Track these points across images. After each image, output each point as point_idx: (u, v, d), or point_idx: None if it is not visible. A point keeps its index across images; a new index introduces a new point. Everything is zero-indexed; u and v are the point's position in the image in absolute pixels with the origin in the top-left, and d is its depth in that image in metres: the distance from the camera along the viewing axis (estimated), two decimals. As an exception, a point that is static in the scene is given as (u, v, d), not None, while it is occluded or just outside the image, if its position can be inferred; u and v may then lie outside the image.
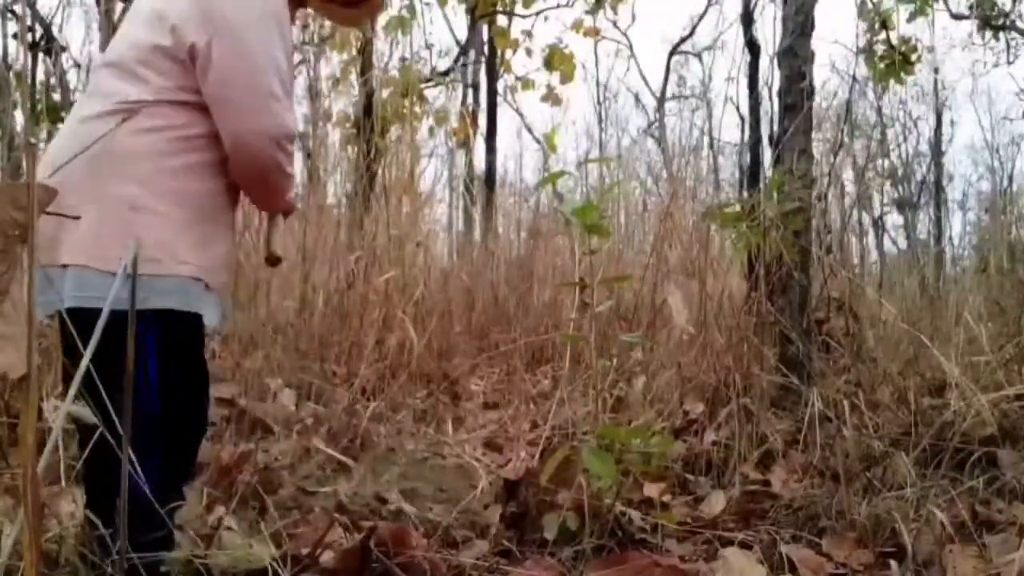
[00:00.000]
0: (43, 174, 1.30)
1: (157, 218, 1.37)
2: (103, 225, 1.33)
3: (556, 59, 6.81)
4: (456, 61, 7.70)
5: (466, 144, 6.65)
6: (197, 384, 1.53)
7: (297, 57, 5.20)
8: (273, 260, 1.68)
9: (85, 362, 0.89)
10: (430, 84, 6.70)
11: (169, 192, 1.40)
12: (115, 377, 1.05)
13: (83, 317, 1.29)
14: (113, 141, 1.33)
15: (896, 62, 5.34)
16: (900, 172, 12.72)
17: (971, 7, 8.01)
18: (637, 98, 12.32)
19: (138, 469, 1.17)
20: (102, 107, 1.40)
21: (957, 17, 8.37)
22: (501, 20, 6.81)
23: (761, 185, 3.71)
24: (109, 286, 1.16)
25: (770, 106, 4.12)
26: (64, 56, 5.62)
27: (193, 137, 1.42)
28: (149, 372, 1.37)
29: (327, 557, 1.55)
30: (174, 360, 1.42)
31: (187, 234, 1.41)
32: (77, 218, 1.26)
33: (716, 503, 1.98)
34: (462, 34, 7.76)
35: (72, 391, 0.96)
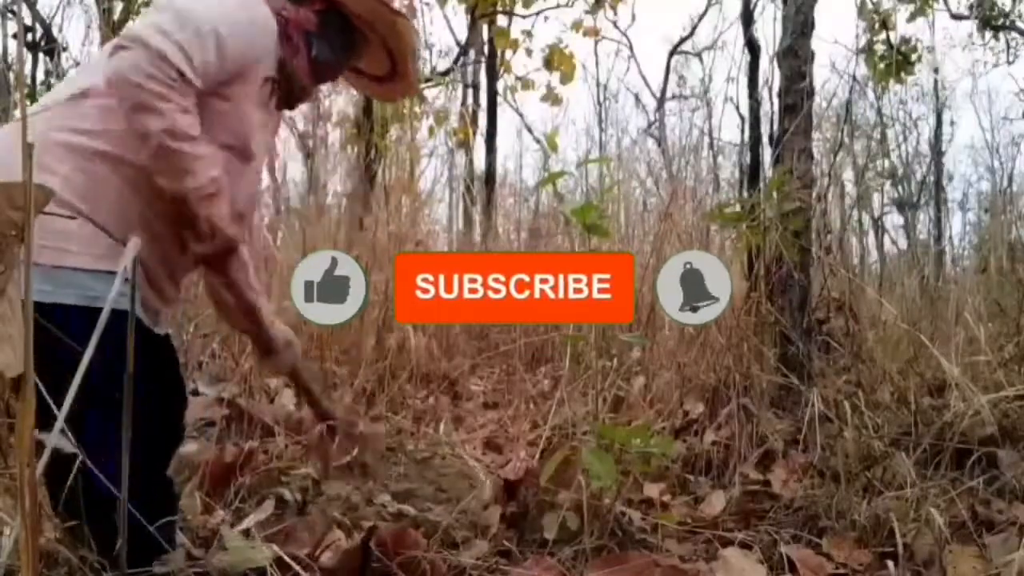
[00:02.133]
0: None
1: (62, 206, 1.27)
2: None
3: (556, 59, 6.81)
4: (456, 61, 7.70)
5: (466, 144, 6.65)
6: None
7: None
8: None
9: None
10: (430, 84, 6.70)
11: (76, 176, 1.30)
12: (53, 373, 0.99)
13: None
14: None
15: (896, 62, 5.34)
16: (900, 172, 12.71)
17: (971, 7, 8.02)
18: (637, 98, 12.30)
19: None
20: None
21: (957, 17, 8.38)
22: (501, 20, 6.81)
23: (761, 185, 3.71)
24: (41, 279, 1.17)
25: (770, 106, 4.11)
26: (64, 56, 5.62)
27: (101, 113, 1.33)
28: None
29: (327, 557, 1.55)
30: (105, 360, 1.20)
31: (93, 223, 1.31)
32: (74, 218, 1.26)
33: (716, 503, 1.98)
34: (462, 34, 7.75)
35: (71, 394, 0.96)
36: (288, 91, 1.55)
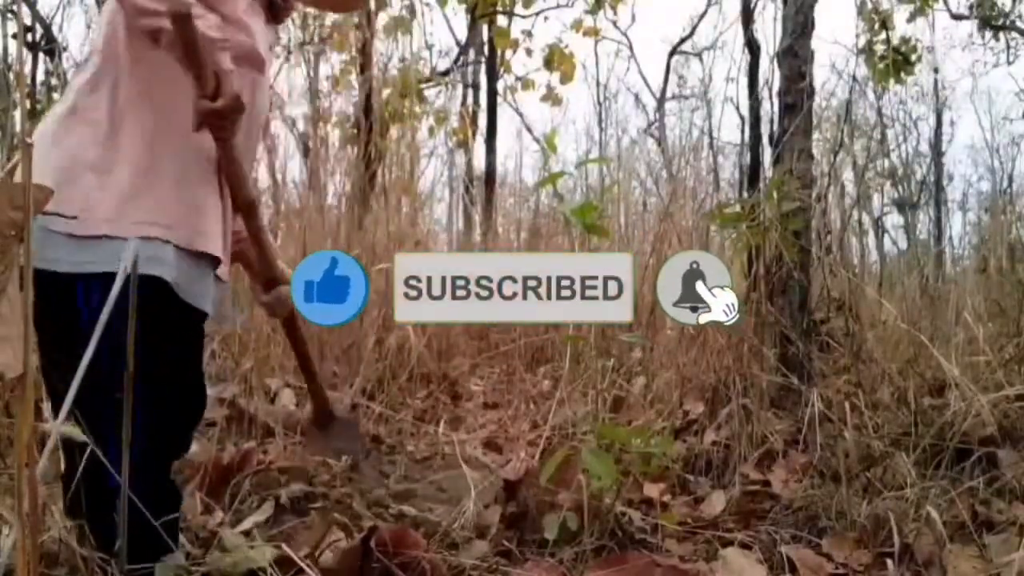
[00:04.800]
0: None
1: (91, 172, 1.29)
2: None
3: (556, 59, 6.82)
4: (456, 61, 7.70)
5: (466, 144, 6.65)
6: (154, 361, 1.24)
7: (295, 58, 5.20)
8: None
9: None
10: (430, 84, 6.70)
11: (104, 136, 1.32)
12: (54, 338, 1.00)
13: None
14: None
15: (896, 62, 5.34)
16: (900, 172, 12.71)
17: (971, 7, 8.02)
18: (637, 98, 12.29)
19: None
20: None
21: (957, 17, 8.37)
22: (501, 20, 6.82)
23: (761, 185, 3.70)
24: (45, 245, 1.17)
25: (770, 106, 4.11)
26: (64, 56, 5.62)
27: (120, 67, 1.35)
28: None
29: (327, 557, 1.55)
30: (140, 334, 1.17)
31: (126, 186, 1.30)
32: (74, 218, 1.26)
33: (716, 503, 1.97)
34: (462, 34, 7.76)
35: (74, 386, 0.96)
36: (270, 3, 1.57)
